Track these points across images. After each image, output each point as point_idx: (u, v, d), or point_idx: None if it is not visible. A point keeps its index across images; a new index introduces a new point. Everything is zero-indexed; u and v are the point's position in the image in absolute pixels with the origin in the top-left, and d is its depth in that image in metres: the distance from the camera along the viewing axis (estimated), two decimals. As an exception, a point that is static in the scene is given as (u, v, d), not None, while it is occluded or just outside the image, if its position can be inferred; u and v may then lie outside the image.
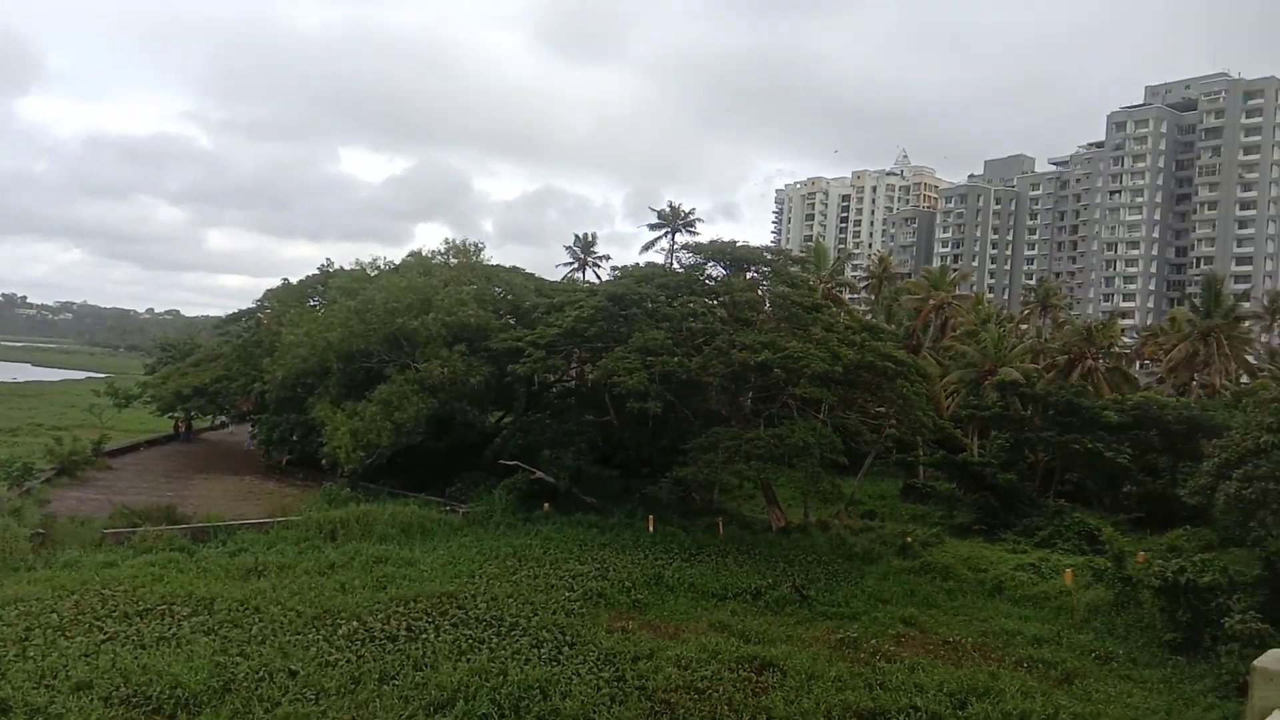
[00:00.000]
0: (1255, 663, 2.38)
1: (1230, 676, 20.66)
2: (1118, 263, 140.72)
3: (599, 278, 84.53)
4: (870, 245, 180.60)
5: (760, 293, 44.16)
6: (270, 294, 61.22)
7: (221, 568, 27.00)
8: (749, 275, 44.89)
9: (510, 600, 24.46)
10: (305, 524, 32.62)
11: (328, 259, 64.48)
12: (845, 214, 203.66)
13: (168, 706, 16.34)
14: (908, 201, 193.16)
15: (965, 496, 46.01)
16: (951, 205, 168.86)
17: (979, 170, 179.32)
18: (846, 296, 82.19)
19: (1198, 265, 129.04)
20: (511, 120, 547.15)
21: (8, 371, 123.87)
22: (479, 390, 43.16)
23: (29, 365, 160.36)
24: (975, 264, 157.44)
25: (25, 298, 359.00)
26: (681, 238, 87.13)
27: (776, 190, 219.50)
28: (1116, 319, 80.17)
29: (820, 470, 35.75)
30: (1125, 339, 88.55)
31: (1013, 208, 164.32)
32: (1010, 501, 43.15)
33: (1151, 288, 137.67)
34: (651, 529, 35.81)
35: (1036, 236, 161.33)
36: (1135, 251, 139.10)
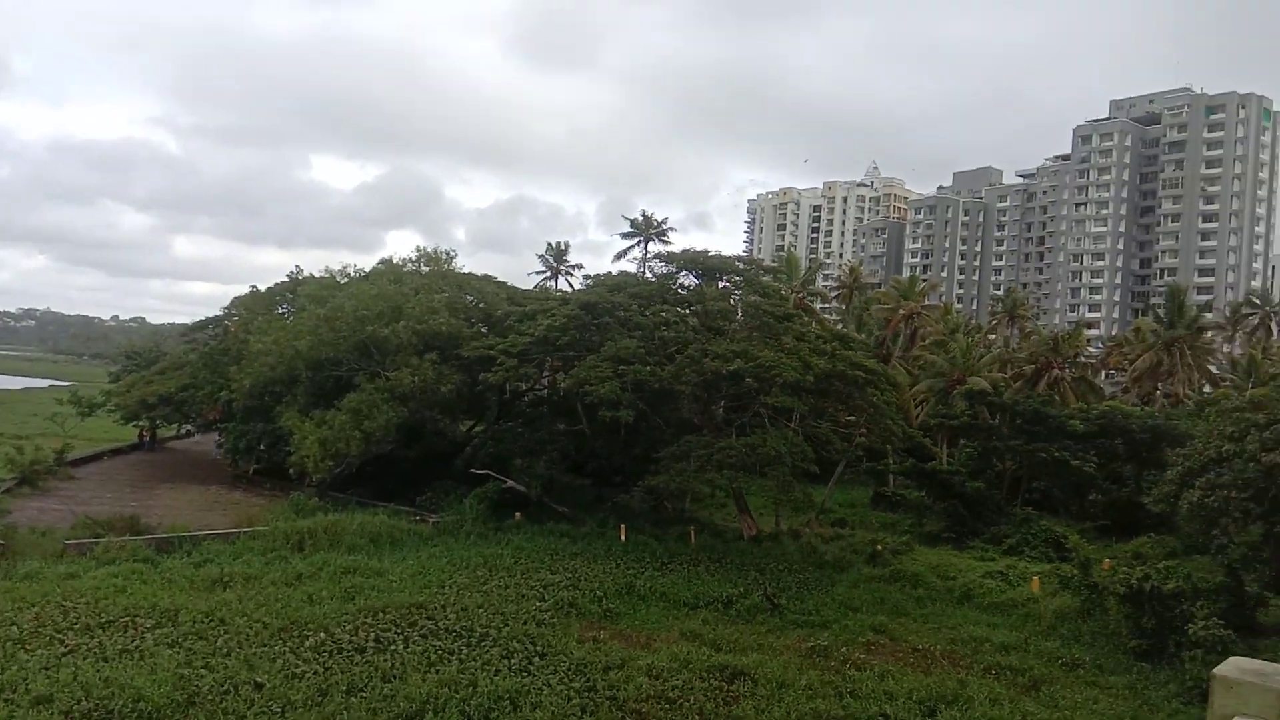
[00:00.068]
0: (1215, 671, 2.40)
1: (1194, 683, 20.96)
2: (1083, 273, 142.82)
3: (571, 286, 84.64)
4: (841, 255, 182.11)
5: (732, 302, 44.32)
6: (238, 301, 60.56)
7: (186, 579, 26.60)
8: (721, 284, 45.04)
9: (480, 610, 24.30)
10: (272, 534, 32.20)
11: (297, 266, 63.92)
12: (816, 224, 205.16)
13: (130, 720, 16.06)
14: (878, 212, 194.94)
15: (934, 504, 46.35)
16: (921, 216, 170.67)
17: (948, 182, 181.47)
18: (818, 306, 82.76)
19: (1161, 276, 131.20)
20: (484, 128, 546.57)
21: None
22: (450, 399, 42.92)
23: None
24: (944, 274, 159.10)
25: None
26: (654, 247, 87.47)
27: (749, 200, 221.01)
28: (1082, 329, 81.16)
29: (792, 479, 35.86)
30: (1091, 349, 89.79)
31: (981, 219, 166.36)
32: (978, 509, 43.53)
33: (1116, 298, 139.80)
34: (623, 538, 35.73)
35: (1004, 247, 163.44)
36: (1100, 263, 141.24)
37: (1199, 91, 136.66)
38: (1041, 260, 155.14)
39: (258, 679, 18.16)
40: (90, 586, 24.63)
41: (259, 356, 43.21)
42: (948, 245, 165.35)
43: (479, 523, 36.50)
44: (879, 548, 37.01)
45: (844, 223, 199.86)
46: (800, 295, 70.87)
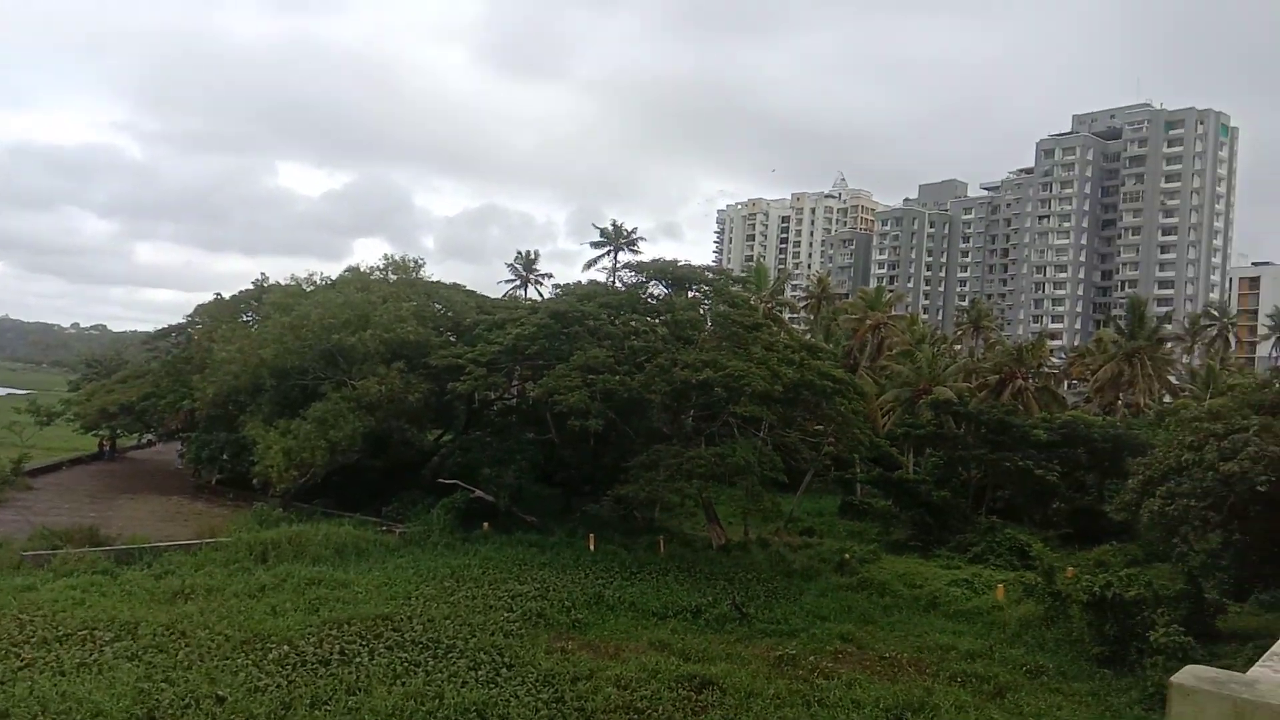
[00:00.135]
0: (1172, 679, 2.44)
1: (1155, 689, 21.26)
2: (1046, 285, 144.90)
3: (541, 295, 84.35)
4: (809, 266, 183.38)
5: (702, 311, 44.50)
6: (202, 309, 59.75)
7: (146, 591, 26.16)
8: (691, 294, 45.20)
9: (447, 622, 24.11)
10: (235, 545, 31.77)
11: (263, 274, 63.33)
12: (785, 235, 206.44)
13: (87, 736, 15.75)
14: (845, 223, 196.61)
15: (901, 513, 46.75)
16: (888, 228, 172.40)
17: (914, 194, 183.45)
18: (786, 316, 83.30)
19: (1122, 288, 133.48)
20: (454, 137, 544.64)
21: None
22: (418, 408, 42.63)
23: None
24: (910, 285, 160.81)
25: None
26: (624, 256, 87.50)
27: (718, 211, 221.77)
28: (1045, 339, 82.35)
29: (760, 488, 36.02)
30: (1054, 359, 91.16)
31: (946, 231, 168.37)
32: (944, 518, 43.95)
33: (1079, 309, 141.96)
34: (592, 548, 35.65)
35: (969, 259, 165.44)
36: (1063, 274, 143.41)
37: (1159, 107, 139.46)
38: (1005, 271, 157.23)
39: (220, 693, 17.87)
40: (48, 599, 24.14)
41: (223, 365, 42.67)
42: (914, 256, 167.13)
43: (446, 533, 36.23)
44: (847, 556, 37.24)
45: (812, 233, 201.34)
46: (769, 305, 71.33)
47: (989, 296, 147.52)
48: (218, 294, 59.85)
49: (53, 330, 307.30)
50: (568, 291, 46.55)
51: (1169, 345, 79.81)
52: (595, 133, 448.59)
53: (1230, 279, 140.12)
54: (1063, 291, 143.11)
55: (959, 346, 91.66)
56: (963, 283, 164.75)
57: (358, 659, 20.69)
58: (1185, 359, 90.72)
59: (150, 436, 64.92)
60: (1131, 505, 31.17)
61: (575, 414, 36.03)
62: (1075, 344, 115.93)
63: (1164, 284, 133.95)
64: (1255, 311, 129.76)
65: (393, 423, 43.78)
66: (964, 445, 49.12)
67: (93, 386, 64.02)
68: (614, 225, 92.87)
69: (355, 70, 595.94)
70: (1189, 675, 2.46)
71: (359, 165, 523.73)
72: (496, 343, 40.02)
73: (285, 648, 20.98)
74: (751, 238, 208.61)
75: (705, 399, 38.79)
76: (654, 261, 46.69)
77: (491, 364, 39.83)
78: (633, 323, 42.02)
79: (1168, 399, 68.59)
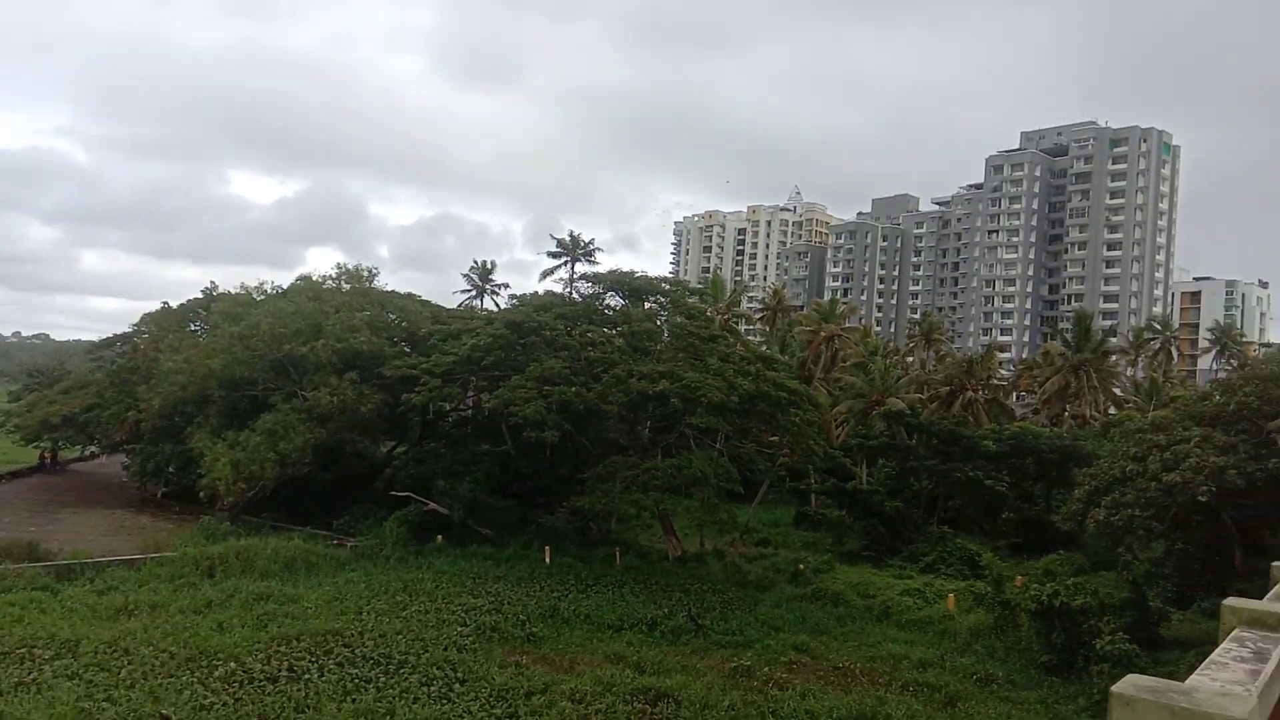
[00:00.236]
0: (1113, 689, 2.48)
1: (1101, 696, 21.63)
2: (995, 298, 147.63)
3: (498, 306, 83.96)
4: (765, 278, 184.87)
5: (659, 323, 44.59)
6: (148, 318, 58.61)
7: (88, 607, 25.51)
8: (648, 305, 45.32)
9: (399, 637, 23.79)
10: (181, 560, 31.11)
11: (212, 282, 62.25)
12: (741, 247, 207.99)
13: (22, 759, 15.25)
14: (800, 236, 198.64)
15: (855, 524, 47.10)
16: (842, 241, 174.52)
17: (867, 208, 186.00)
18: (742, 328, 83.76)
19: (1069, 302, 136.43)
20: (409, 145, 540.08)
21: None
22: (371, 419, 42.14)
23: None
24: (864, 298, 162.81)
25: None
26: (581, 267, 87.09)
27: (675, 222, 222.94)
28: (994, 352, 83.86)
29: (717, 500, 36.13)
30: (1003, 371, 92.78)
31: (899, 244, 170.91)
32: (897, 528, 44.40)
33: (1027, 323, 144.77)
34: (548, 560, 35.46)
35: (921, 272, 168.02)
36: (1011, 288, 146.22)
37: (1104, 125, 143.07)
38: (956, 285, 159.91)
39: (163, 711, 17.44)
40: (-17, 617, 23.39)
41: (169, 375, 41.88)
42: (867, 270, 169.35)
43: (399, 546, 35.80)
44: (801, 567, 37.45)
45: (768, 246, 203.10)
46: (725, 317, 71.65)
47: (940, 309, 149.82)
48: (165, 303, 58.84)
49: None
50: (524, 302, 46.41)
51: (1114, 358, 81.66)
52: (552, 143, 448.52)
53: (1172, 293, 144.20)
54: (1011, 305, 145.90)
55: (911, 358, 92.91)
56: (914, 295, 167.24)
57: (307, 676, 20.32)
58: (1129, 371, 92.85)
59: (94, 448, 63.31)
60: (1078, 515, 31.80)
61: (531, 425, 35.87)
62: (1023, 356, 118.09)
63: (1109, 298, 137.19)
64: (1196, 325, 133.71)
65: (345, 434, 43.26)
66: (916, 456, 49.74)
67: (34, 397, 62.45)
68: (571, 236, 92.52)
69: (309, 77, 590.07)
70: (1129, 685, 2.50)
71: (312, 173, 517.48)
72: (452, 353, 39.72)
73: (232, 665, 20.55)
74: (708, 249, 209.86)
75: (662, 410, 38.84)
76: (611, 273, 46.76)
77: (447, 375, 39.52)
78: (589, 334, 41.99)
79: (1113, 411, 70.10)
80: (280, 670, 20.52)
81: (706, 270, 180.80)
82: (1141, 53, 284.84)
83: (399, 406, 41.18)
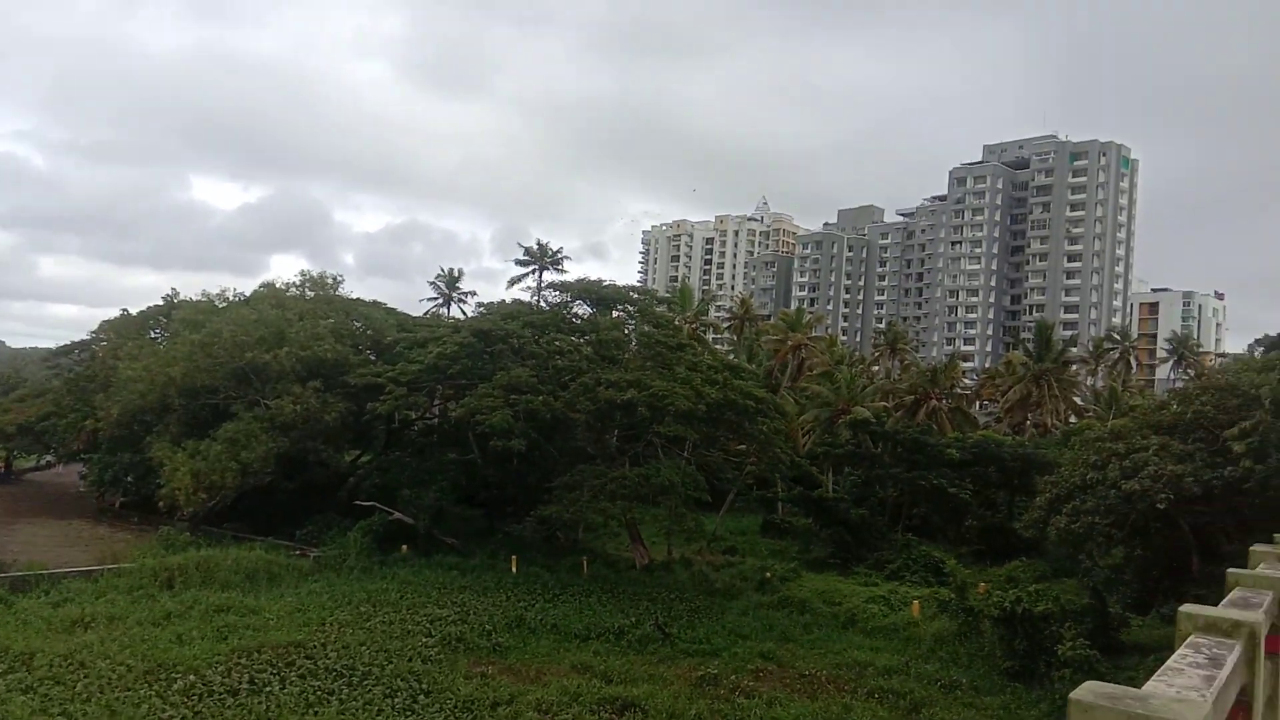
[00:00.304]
0: (1071, 695, 2.50)
1: (1063, 702, 21.75)
2: (959, 308, 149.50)
3: (465, 314, 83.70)
4: (733, 287, 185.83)
5: (627, 332, 44.63)
6: (107, 325, 57.66)
7: (43, 620, 24.99)
8: (616, 314, 45.34)
9: (363, 648, 23.53)
10: (139, 571, 30.57)
11: (173, 289, 61.58)
12: (709, 256, 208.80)
13: (-28, 777, 14.88)
14: (768, 246, 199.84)
15: (821, 531, 47.36)
16: (808, 251, 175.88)
17: (833, 218, 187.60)
18: (710, 336, 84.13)
19: (1030, 312, 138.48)
20: (375, 152, 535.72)
21: None
22: (335, 428, 41.70)
23: None
24: (830, 307, 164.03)
25: None
26: (549, 275, 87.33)
27: (643, 231, 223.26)
28: (958, 361, 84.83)
29: (684, 508, 36.16)
30: (966, 380, 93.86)
31: (864, 255, 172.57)
32: (862, 536, 44.70)
33: (989, 332, 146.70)
34: (515, 569, 35.26)
35: (886, 283, 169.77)
36: (975, 298, 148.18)
37: (1064, 139, 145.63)
38: (920, 295, 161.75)
39: (119, 727, 17.09)
40: (-69, 631, 22.81)
41: (129, 383, 41.21)
42: (833, 279, 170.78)
43: (363, 556, 35.42)
44: (768, 575, 37.57)
45: (735, 255, 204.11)
46: (693, 325, 71.93)
47: (904, 319, 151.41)
48: (125, 310, 57.99)
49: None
50: (491, 310, 46.24)
51: (1074, 368, 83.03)
52: (520, 151, 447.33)
53: (1131, 304, 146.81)
54: (974, 315, 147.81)
55: (876, 368, 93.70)
56: (880, 305, 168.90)
57: (268, 688, 20.03)
58: (1089, 381, 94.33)
59: (50, 458, 62.15)
60: (1039, 522, 32.18)
61: (498, 434, 35.69)
62: (986, 366, 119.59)
63: (1069, 308, 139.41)
64: (1155, 335, 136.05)
65: (308, 443, 42.74)
66: (881, 464, 50.15)
67: (-13, 405, 61.06)
68: (539, 244, 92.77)
69: (274, 83, 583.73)
70: (1087, 691, 2.53)
71: (276, 179, 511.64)
72: (418, 361, 39.45)
73: (191, 678, 20.22)
74: (676, 258, 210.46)
75: (629, 419, 38.83)
76: (579, 281, 46.76)
77: (412, 383, 39.23)
78: (557, 342, 41.91)
79: (1073, 419, 71.15)
80: (241, 683, 20.21)
81: (674, 279, 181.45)
82: (1101, 68, 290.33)
83: (364, 415, 40.82)
